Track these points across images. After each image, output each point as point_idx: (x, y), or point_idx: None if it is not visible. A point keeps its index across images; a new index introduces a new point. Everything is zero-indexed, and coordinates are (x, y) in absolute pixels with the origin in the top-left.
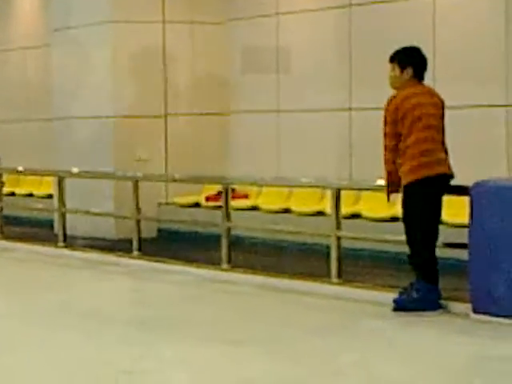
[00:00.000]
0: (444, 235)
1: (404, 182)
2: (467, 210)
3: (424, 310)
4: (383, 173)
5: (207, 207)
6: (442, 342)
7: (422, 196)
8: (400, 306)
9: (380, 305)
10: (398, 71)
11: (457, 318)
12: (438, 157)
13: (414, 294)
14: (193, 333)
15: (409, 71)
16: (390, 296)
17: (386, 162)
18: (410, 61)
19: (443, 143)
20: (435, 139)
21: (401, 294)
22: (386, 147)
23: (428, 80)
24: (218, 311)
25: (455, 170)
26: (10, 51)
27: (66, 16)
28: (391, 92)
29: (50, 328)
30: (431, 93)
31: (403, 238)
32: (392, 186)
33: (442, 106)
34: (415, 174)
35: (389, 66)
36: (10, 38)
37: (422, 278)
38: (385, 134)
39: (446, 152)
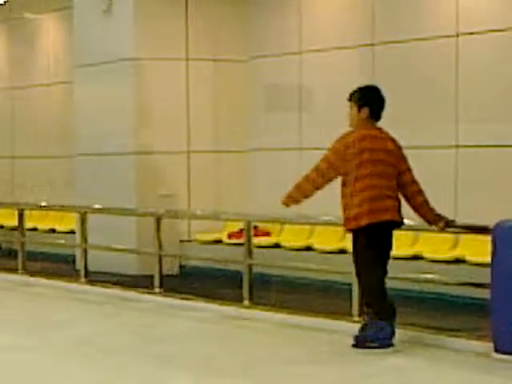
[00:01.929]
0: (466, 274)
1: (352, 226)
2: (489, 250)
3: (377, 347)
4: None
5: (229, 244)
6: (464, 382)
7: (368, 242)
8: (357, 343)
9: (401, 343)
10: (355, 110)
11: (478, 358)
12: (385, 204)
13: (368, 332)
14: (212, 369)
15: (365, 111)
16: (412, 334)
17: (306, 178)
18: (367, 100)
19: (394, 189)
20: (382, 186)
21: (362, 329)
22: (316, 168)
23: (451, 119)
24: (238, 348)
25: (478, 209)
26: (33, 87)
27: (89, 53)
28: (414, 131)
29: (69, 362)
30: (386, 137)
31: (426, 276)
32: (289, 199)
33: (396, 151)
34: (362, 220)
35: (348, 104)
36: (34, 75)
37: (374, 316)
38: (323, 159)
39: (395, 198)
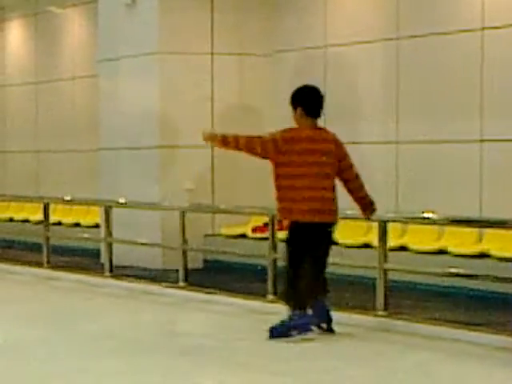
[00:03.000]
0: (491, 268)
1: (283, 218)
2: None
3: (299, 333)
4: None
5: (254, 238)
6: (488, 376)
7: (290, 239)
8: (276, 334)
9: (425, 337)
10: (292, 111)
11: (504, 352)
12: (308, 206)
13: (288, 322)
14: (236, 363)
15: (299, 110)
16: (436, 329)
17: (239, 140)
18: (299, 101)
19: (327, 189)
20: (310, 186)
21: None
22: (252, 138)
23: (475, 113)
24: (261, 342)
25: (503, 203)
26: (58, 81)
27: (114, 47)
28: (439, 125)
29: (92, 356)
30: (322, 138)
31: (451, 270)
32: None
33: (335, 150)
34: (289, 217)
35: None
36: (59, 69)
37: (293, 307)
38: (261, 139)
39: (327, 199)
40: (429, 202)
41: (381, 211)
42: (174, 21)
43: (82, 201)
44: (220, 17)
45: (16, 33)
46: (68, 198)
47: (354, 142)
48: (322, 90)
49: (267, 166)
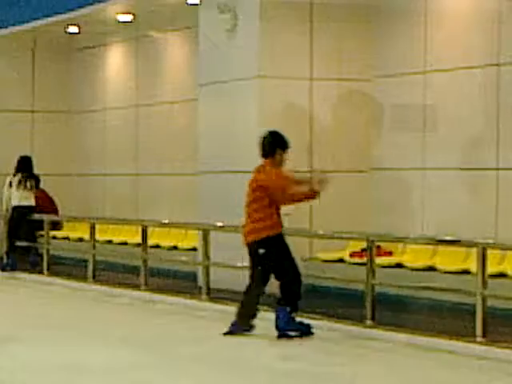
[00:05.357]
0: None
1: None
2: None
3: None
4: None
5: (351, 263)
6: None
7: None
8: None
9: None
10: None
11: None
12: (247, 228)
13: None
14: None
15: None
16: None
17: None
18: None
19: (261, 214)
20: (249, 213)
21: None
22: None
23: None
24: (358, 366)
25: None
26: (157, 105)
27: (214, 71)
28: None
29: (183, 381)
30: (255, 177)
31: None
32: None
33: (256, 183)
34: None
35: None
36: (158, 93)
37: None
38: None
39: (258, 220)
40: None
41: (480, 237)
42: (273, 45)
43: (179, 224)
44: (319, 42)
45: (117, 57)
46: (166, 221)
47: (451, 168)
48: (421, 115)
49: (365, 191)
